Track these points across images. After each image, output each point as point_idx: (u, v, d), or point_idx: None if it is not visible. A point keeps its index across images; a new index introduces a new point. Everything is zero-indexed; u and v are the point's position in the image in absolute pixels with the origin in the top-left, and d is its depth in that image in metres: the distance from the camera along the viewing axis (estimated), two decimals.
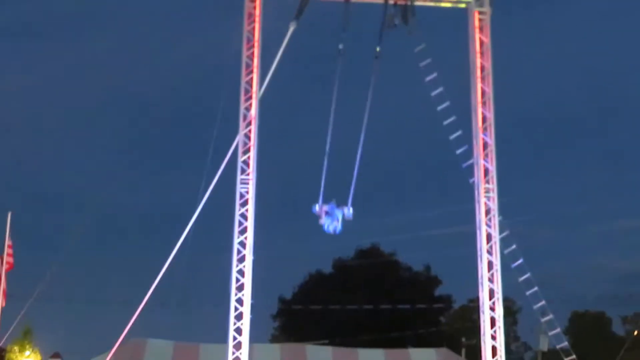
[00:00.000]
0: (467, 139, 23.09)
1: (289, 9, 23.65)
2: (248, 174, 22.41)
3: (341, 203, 21.32)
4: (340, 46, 22.48)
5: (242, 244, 22.21)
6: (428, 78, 23.01)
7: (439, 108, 22.94)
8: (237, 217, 22.22)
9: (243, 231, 22.24)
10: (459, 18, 24.34)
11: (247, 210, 22.25)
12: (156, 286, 22.07)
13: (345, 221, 21.19)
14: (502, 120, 23.58)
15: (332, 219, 21.11)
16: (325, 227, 21.13)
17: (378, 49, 22.68)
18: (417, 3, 23.55)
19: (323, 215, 21.14)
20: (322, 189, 21.38)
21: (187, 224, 22.23)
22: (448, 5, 24.17)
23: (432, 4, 24.00)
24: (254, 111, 22.80)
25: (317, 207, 21.24)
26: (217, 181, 22.25)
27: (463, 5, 24.15)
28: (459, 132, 22.91)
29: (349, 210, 21.29)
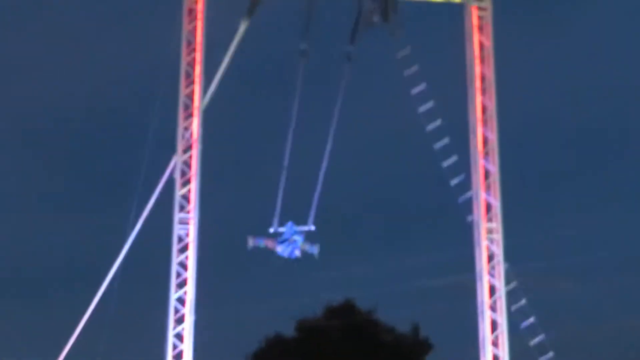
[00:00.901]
0: (465, 166, 23.15)
1: (239, 3, 23.75)
2: (188, 212, 22.25)
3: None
4: (303, 46, 22.50)
5: (181, 301, 21.98)
6: (414, 90, 23.06)
7: (429, 128, 22.97)
8: (175, 267, 22.00)
9: (182, 284, 22.03)
10: (453, 15, 24.51)
11: (187, 257, 22.07)
12: (72, 351, 21.78)
13: (310, 267, 21.38)
14: (507, 143, 23.66)
15: (289, 243, 21.39)
16: (280, 251, 21.41)
17: (350, 49, 22.76)
18: None
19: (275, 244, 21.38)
20: (277, 208, 21.57)
21: (109, 273, 22.06)
22: None
23: None
24: (195, 131, 22.68)
25: (273, 228, 21.44)
26: (148, 221, 22.12)
27: (458, 0, 24.30)
28: (454, 158, 22.92)
29: (312, 246, 21.48)
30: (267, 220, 21.73)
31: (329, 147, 22.42)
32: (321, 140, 22.49)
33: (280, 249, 21.60)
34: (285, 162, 22.19)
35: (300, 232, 21.66)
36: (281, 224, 21.83)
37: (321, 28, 23.17)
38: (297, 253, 21.63)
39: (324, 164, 22.32)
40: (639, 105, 40.99)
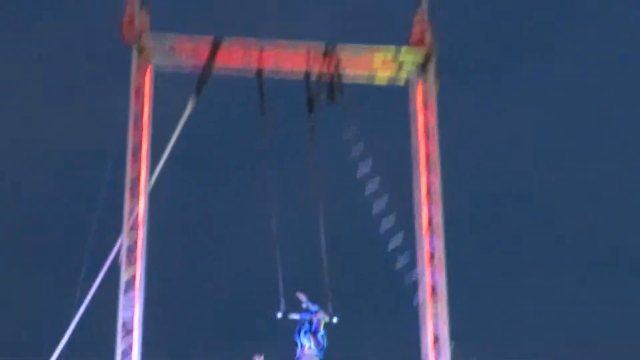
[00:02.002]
0: (410, 244, 23.21)
1: (187, 82, 23.93)
2: (134, 294, 22.02)
3: None
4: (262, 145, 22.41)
5: None
6: (361, 171, 23.20)
7: (375, 208, 23.05)
8: (120, 353, 21.60)
9: None
10: (400, 94, 24.83)
11: (132, 342, 21.64)
12: None
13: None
14: (452, 221, 23.82)
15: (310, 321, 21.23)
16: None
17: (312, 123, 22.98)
18: (346, 80, 23.98)
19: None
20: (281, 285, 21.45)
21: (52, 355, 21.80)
22: (383, 82, 24.60)
23: (364, 80, 24.45)
24: (141, 212, 22.60)
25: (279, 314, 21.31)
26: (94, 304, 21.93)
27: (403, 80, 24.63)
28: (399, 237, 23.01)
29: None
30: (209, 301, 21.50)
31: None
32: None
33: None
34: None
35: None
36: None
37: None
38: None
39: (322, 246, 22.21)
40: (583, 179, 41.53)
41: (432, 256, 23.09)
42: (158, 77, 23.75)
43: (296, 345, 21.58)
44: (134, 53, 23.72)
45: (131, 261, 22.24)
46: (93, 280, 22.29)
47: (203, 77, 23.82)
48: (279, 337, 21.88)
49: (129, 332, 21.80)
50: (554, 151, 41.28)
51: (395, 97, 24.76)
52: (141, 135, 23.19)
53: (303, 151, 22.86)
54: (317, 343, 21.41)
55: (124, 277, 22.09)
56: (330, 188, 22.90)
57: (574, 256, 38.93)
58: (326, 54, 24.14)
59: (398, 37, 25.13)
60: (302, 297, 21.85)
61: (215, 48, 23.92)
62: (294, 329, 21.65)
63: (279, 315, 21.54)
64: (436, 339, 22.51)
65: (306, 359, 21.31)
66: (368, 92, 24.52)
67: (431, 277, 22.92)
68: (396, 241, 22.86)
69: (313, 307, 21.72)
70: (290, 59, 24.24)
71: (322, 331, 21.53)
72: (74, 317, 22.02)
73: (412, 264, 23.00)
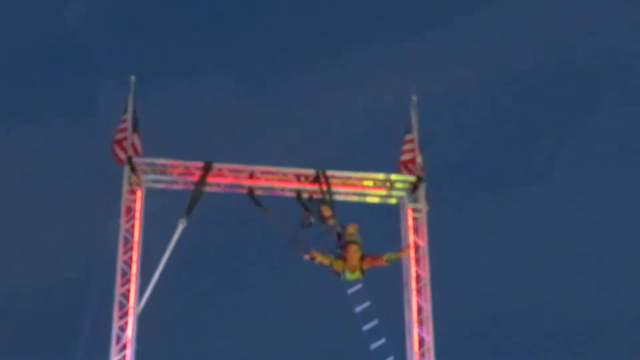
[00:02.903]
0: None
1: (179, 199, 24.19)
2: None
3: None
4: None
5: None
6: (350, 291, 23.27)
7: (365, 328, 23.05)
8: None
9: None
10: (390, 215, 25.09)
11: None
12: None
13: None
14: (442, 342, 23.80)
15: None
16: None
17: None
18: (338, 198, 24.29)
19: None
20: None
21: None
22: (375, 200, 24.95)
23: (355, 198, 24.77)
24: (130, 332, 22.55)
25: None
26: None
27: (393, 201, 24.96)
28: (390, 359, 22.95)
29: None
30: None
31: None
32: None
33: None
34: None
35: None
36: None
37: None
38: None
39: None
40: (576, 288, 41.68)
41: None
42: (149, 195, 24.03)
43: None
44: (125, 173, 24.02)
45: None
46: None
47: (194, 198, 24.05)
48: None
49: None
50: (550, 271, 41.52)
51: (387, 215, 24.99)
52: (131, 253, 23.31)
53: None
54: None
55: None
56: (322, 309, 22.94)
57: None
58: (317, 179, 24.49)
59: (388, 162, 25.53)
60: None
61: (206, 170, 24.26)
62: None
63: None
64: None
65: None
66: (359, 211, 24.78)
67: None
68: None
69: None
70: (281, 182, 24.59)
71: None
72: None
73: None
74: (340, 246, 22.21)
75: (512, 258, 41.73)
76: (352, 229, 22.32)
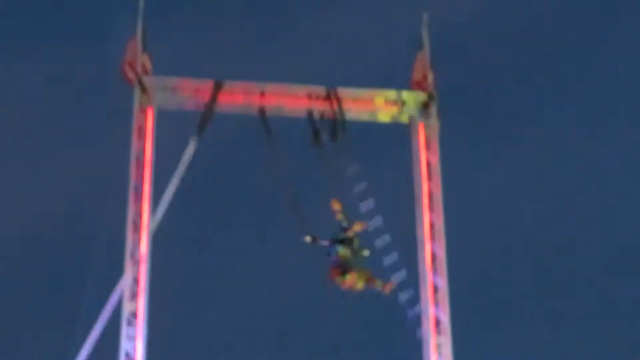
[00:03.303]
0: (413, 281, 23.40)
1: (189, 121, 24.24)
2: (136, 328, 22.22)
3: None
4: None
5: None
6: (363, 207, 23.43)
7: (378, 244, 23.26)
8: None
9: None
10: (401, 133, 25.13)
11: None
12: None
13: None
14: (455, 259, 24.00)
15: None
16: None
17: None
18: (349, 117, 24.31)
19: None
20: None
21: None
22: (386, 119, 24.96)
23: (366, 117, 24.79)
24: (144, 249, 22.82)
25: None
26: (98, 337, 22.00)
27: (405, 119, 24.97)
28: (402, 273, 23.17)
29: None
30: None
31: None
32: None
33: None
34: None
35: None
36: None
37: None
38: None
39: None
40: (587, 220, 41.78)
41: (435, 291, 23.29)
42: (160, 116, 24.10)
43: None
44: (136, 93, 24.08)
45: (133, 296, 22.48)
46: (96, 317, 22.35)
47: (205, 117, 24.11)
48: None
49: None
50: (560, 195, 41.58)
51: (398, 134, 25.01)
52: (143, 174, 23.46)
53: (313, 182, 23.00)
54: None
55: (126, 310, 22.29)
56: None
57: (576, 300, 39.11)
58: (327, 96, 24.49)
59: (399, 80, 25.49)
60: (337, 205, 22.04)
61: (216, 89, 24.27)
62: None
63: (307, 239, 21.89)
64: None
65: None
66: (370, 130, 24.81)
67: (434, 311, 23.10)
68: (399, 276, 23.01)
69: None
70: (292, 100, 24.59)
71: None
72: (77, 355, 22.07)
73: (416, 299, 23.17)
74: (342, 240, 22.32)
75: (521, 177, 41.79)
76: (358, 227, 22.33)
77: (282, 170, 23.21)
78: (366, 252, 22.07)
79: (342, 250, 21.70)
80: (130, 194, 23.27)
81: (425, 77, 25.10)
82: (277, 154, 23.45)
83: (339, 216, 22.38)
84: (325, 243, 21.77)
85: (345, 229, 22.38)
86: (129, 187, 23.33)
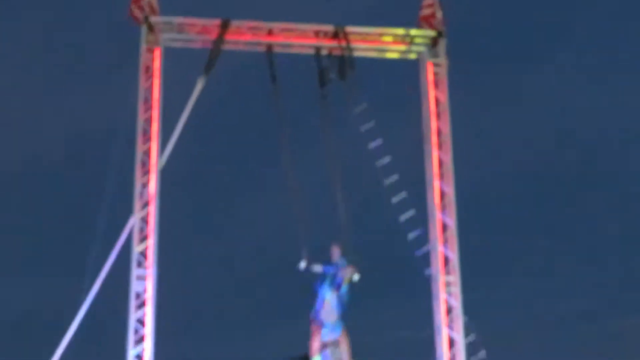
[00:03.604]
0: (422, 220, 23.42)
1: (197, 60, 24.14)
2: (146, 268, 22.37)
3: None
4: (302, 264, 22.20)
5: (139, 358, 21.96)
6: (371, 145, 23.40)
7: (386, 182, 23.26)
8: (133, 323, 22.05)
9: (140, 340, 22.04)
10: (410, 71, 25.01)
11: (144, 313, 22.10)
12: None
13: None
14: (464, 196, 24.00)
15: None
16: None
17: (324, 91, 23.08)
18: (357, 54, 24.18)
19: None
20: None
21: (66, 335, 22.01)
22: (395, 56, 24.84)
23: (375, 54, 24.67)
24: (152, 188, 22.88)
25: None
26: (107, 278, 22.15)
27: (413, 56, 24.85)
28: (411, 212, 23.21)
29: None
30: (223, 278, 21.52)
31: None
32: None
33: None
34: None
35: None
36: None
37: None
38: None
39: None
40: (597, 155, 41.83)
41: (444, 230, 23.34)
42: (167, 55, 24.00)
43: (317, 298, 21.33)
44: (143, 31, 23.95)
45: (143, 235, 22.60)
46: (105, 258, 22.45)
47: (212, 55, 23.98)
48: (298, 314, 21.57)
49: (141, 304, 22.14)
50: (569, 131, 41.57)
51: (407, 72, 24.89)
52: (151, 112, 23.44)
53: (317, 119, 22.87)
54: (340, 298, 21.18)
55: (135, 250, 22.41)
56: (342, 166, 23.01)
57: (587, 233, 39.29)
58: (336, 34, 24.34)
59: (407, 18, 25.28)
60: (337, 250, 21.55)
61: (224, 28, 24.12)
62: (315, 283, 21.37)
63: (302, 265, 21.18)
64: (449, 310, 22.80)
65: (325, 313, 21.10)
66: (379, 67, 24.69)
67: (443, 250, 23.16)
68: (408, 214, 23.05)
69: (341, 262, 21.42)
70: (300, 38, 24.44)
71: (344, 287, 21.29)
72: (86, 296, 22.21)
73: (425, 238, 23.21)
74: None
75: (528, 115, 41.77)
76: (349, 274, 21.75)
77: (284, 113, 23.12)
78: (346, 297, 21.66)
79: (329, 296, 21.37)
80: (138, 134, 23.23)
81: (433, 14, 24.89)
82: (280, 96, 23.34)
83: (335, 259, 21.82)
84: (318, 269, 21.44)
85: (336, 268, 21.48)
86: (136, 127, 23.30)
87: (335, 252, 21.45)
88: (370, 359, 21.38)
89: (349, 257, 21.40)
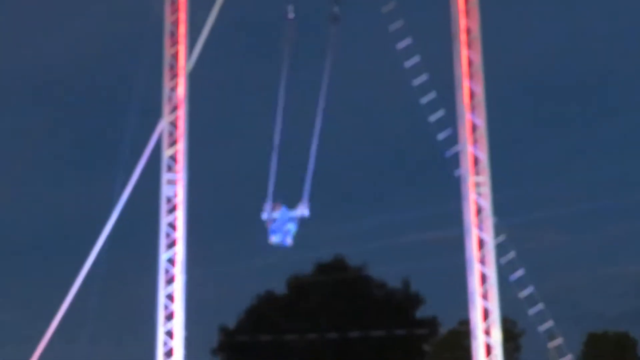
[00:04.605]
0: (452, 120, 23.28)
1: None
2: (176, 172, 22.42)
3: (293, 206, 21.22)
4: (290, 14, 22.27)
5: (171, 261, 22.19)
6: (400, 45, 23.15)
7: (415, 82, 23.06)
8: (164, 227, 22.23)
9: (171, 244, 22.23)
10: None
11: (175, 217, 22.26)
12: (63, 318, 22.00)
13: (300, 224, 21.07)
14: (493, 96, 23.78)
15: (283, 233, 20.97)
16: (273, 240, 20.99)
17: (336, 10, 22.75)
18: None
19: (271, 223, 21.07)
20: (270, 188, 21.28)
21: (98, 239, 22.20)
22: None
23: None
24: (181, 92, 22.80)
25: (266, 214, 21.09)
26: (138, 182, 22.26)
27: None
28: (440, 112, 23.04)
29: (304, 207, 21.12)
30: (256, 192, 21.45)
31: (319, 115, 22.12)
32: (310, 104, 22.31)
33: (273, 239, 21.11)
34: (276, 141, 21.75)
35: (294, 219, 21.24)
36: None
37: None
38: (290, 241, 21.19)
39: (315, 141, 21.90)
40: (626, 57, 41.39)
41: (473, 130, 23.16)
42: None
43: None
44: None
45: (173, 139, 22.59)
46: (137, 160, 22.52)
47: None
48: None
49: (172, 208, 22.27)
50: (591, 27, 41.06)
51: None
52: (178, 16, 23.24)
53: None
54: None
55: (165, 154, 22.44)
56: (373, 65, 22.80)
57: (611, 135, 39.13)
58: None
59: None
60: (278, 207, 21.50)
61: None
62: None
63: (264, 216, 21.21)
64: (479, 211, 22.77)
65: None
66: None
67: (473, 150, 23.02)
68: (438, 115, 22.91)
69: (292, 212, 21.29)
70: None
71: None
72: (119, 197, 22.36)
73: (454, 138, 23.09)
74: None
75: (556, 12, 41.22)
76: None
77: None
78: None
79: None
80: (165, 37, 23.08)
81: None
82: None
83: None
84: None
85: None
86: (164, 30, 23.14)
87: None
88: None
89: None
